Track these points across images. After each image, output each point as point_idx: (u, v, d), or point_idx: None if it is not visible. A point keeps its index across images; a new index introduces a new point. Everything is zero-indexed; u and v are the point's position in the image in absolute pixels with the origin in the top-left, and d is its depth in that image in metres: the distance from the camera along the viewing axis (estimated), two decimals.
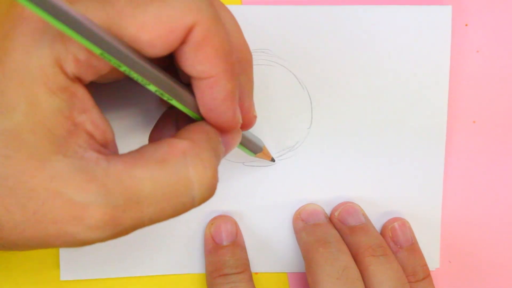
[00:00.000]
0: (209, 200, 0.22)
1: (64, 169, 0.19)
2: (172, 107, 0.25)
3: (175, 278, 0.32)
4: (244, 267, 0.30)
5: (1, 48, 0.20)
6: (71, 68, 0.19)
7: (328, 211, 0.32)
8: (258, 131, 0.31)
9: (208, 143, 0.22)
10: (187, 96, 0.22)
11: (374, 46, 0.31)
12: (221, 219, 0.31)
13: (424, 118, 0.32)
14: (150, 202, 0.20)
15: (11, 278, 0.32)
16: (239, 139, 0.25)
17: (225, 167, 0.31)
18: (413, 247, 0.31)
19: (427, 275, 0.31)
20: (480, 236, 0.33)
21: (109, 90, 0.29)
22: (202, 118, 0.23)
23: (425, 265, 0.31)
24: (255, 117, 0.26)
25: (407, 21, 0.31)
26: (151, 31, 0.19)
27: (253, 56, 0.29)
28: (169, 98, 0.22)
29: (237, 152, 0.31)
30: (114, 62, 0.19)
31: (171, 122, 0.25)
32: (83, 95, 0.20)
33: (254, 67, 0.25)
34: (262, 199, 0.32)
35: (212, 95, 0.21)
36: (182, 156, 0.21)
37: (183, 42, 0.20)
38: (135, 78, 0.20)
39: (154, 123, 0.26)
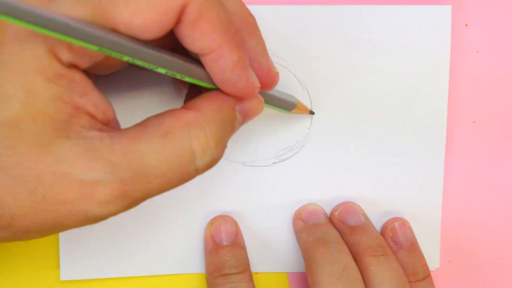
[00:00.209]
0: (210, 169, 0.22)
1: (69, 151, 0.20)
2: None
3: (175, 278, 0.32)
4: (244, 267, 0.30)
5: None
6: (65, 56, 0.20)
7: (328, 211, 0.32)
8: (258, 131, 0.31)
9: (216, 112, 0.22)
10: (199, 70, 0.22)
11: (374, 46, 0.31)
12: (221, 219, 0.31)
13: (424, 118, 0.32)
14: (156, 173, 0.21)
15: (11, 278, 0.32)
16: (260, 105, 0.25)
17: (225, 167, 0.31)
18: (413, 247, 0.31)
19: (427, 275, 0.31)
20: (480, 236, 0.33)
21: (124, 79, 0.29)
22: (218, 88, 0.23)
23: (425, 265, 0.31)
24: (277, 73, 0.25)
25: (407, 21, 0.31)
26: (144, 15, 0.19)
27: None
28: (182, 77, 0.22)
29: (237, 152, 0.31)
30: (115, 54, 0.19)
31: (198, 94, 0.26)
32: (81, 80, 0.20)
33: None
34: (262, 199, 0.32)
35: (219, 68, 0.21)
36: (186, 127, 0.21)
37: (178, 21, 0.20)
38: (141, 65, 0.20)
39: (176, 105, 0.26)
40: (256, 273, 0.32)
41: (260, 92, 0.25)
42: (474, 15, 0.32)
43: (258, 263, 0.32)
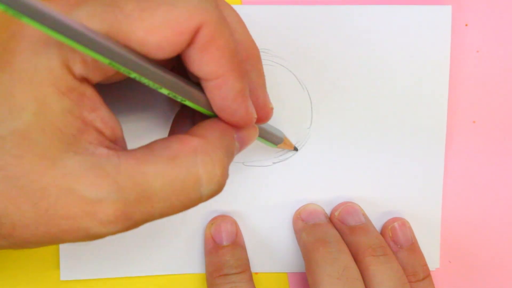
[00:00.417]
0: (213, 197, 0.22)
1: (76, 166, 0.19)
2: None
3: (175, 278, 0.32)
4: (244, 267, 0.30)
5: (8, 49, 0.20)
6: (78, 69, 0.19)
7: (328, 211, 0.32)
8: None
9: (220, 140, 0.22)
10: (200, 96, 0.22)
11: (374, 46, 0.31)
12: (221, 219, 0.31)
13: (424, 118, 0.32)
14: (160, 197, 0.20)
15: (11, 278, 0.32)
16: (255, 134, 0.25)
17: None
18: (413, 247, 0.31)
19: (427, 275, 0.31)
20: (480, 236, 0.33)
21: (119, 89, 0.29)
22: (216, 115, 0.23)
23: (425, 265, 0.31)
24: (272, 109, 0.26)
25: (407, 21, 0.31)
26: (160, 33, 0.19)
27: None
28: (183, 100, 0.22)
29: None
30: (124, 70, 0.19)
31: (188, 117, 0.26)
32: (91, 95, 0.20)
33: None
34: (262, 199, 0.32)
35: (221, 95, 0.22)
36: (193, 154, 0.21)
37: (190, 43, 0.20)
38: (146, 84, 0.20)
39: (168, 120, 0.26)
40: (256, 273, 0.32)
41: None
42: (474, 15, 0.32)
43: (258, 263, 0.32)
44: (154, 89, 0.21)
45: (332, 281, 0.28)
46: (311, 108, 0.31)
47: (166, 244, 0.32)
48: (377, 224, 0.32)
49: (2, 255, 0.32)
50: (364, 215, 0.31)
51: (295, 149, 0.31)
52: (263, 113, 0.25)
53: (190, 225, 0.32)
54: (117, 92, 0.29)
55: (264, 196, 0.32)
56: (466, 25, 0.32)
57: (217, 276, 0.30)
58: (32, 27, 0.18)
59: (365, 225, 0.31)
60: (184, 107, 0.26)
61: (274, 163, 0.32)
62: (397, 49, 0.31)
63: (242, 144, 0.24)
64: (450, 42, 0.31)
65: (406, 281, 0.29)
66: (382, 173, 0.32)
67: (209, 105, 0.22)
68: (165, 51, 0.20)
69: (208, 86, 0.21)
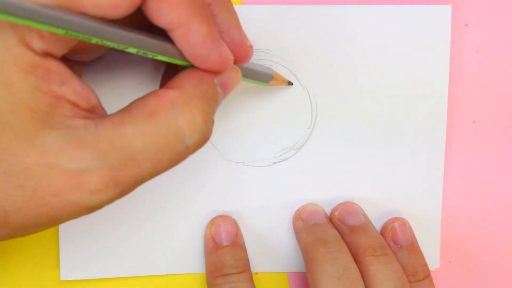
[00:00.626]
0: (202, 146, 0.22)
1: (54, 142, 0.19)
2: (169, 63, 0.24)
3: (175, 278, 0.32)
4: (244, 267, 0.30)
5: None
6: (38, 44, 0.19)
7: (328, 211, 0.32)
8: (258, 130, 0.31)
9: (199, 88, 0.22)
10: (170, 47, 0.22)
11: (373, 46, 0.31)
12: (221, 219, 0.31)
13: (424, 118, 0.32)
14: (146, 156, 0.20)
15: (11, 278, 0.32)
16: (237, 76, 0.24)
17: (225, 167, 0.31)
18: (413, 247, 0.31)
19: (427, 275, 0.31)
20: (480, 236, 0.33)
21: (101, 65, 0.29)
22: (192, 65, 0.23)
23: (425, 265, 0.31)
24: (251, 46, 0.25)
25: (407, 21, 0.31)
26: None
27: (253, 56, 0.29)
28: (154, 55, 0.21)
29: (237, 152, 0.31)
30: (83, 37, 0.19)
31: (173, 76, 0.25)
32: (58, 68, 0.20)
33: None
34: (262, 199, 0.32)
35: (189, 42, 0.21)
36: (170, 106, 0.21)
37: None
38: (111, 46, 0.20)
39: (154, 87, 0.25)
40: (256, 273, 0.32)
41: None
42: (474, 15, 0.32)
43: (258, 263, 0.32)
44: (122, 50, 0.21)
45: (332, 281, 0.28)
46: (311, 108, 0.31)
47: (166, 244, 0.32)
48: (377, 224, 0.32)
49: (2, 255, 0.32)
50: (364, 215, 0.31)
51: (289, 83, 0.31)
52: (242, 52, 0.24)
53: (190, 225, 0.32)
54: (105, 66, 0.29)
55: (264, 196, 0.32)
56: (466, 25, 0.32)
57: (217, 276, 0.30)
58: None
59: (365, 225, 0.31)
60: (168, 67, 0.26)
61: (274, 163, 0.32)
62: (397, 49, 0.31)
63: (226, 89, 0.24)
64: (450, 42, 0.31)
65: (406, 281, 0.29)
66: (382, 173, 0.32)
67: (182, 55, 0.22)
68: (121, 9, 0.19)
69: (174, 36, 0.21)
